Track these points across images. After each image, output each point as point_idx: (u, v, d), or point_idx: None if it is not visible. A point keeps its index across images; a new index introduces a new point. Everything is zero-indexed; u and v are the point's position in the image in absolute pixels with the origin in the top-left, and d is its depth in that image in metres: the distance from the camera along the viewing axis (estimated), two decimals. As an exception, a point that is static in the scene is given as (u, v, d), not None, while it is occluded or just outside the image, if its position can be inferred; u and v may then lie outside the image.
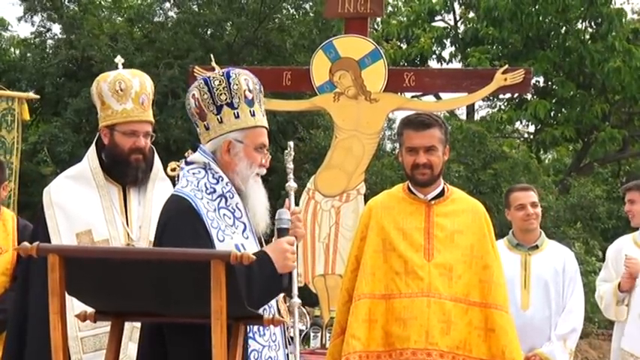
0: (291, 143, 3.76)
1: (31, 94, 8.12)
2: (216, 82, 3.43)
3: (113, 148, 4.09)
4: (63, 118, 14.88)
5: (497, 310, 4.27)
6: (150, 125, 4.17)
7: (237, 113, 3.43)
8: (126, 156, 4.07)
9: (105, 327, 3.64)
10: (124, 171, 4.10)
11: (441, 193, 4.43)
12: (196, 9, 15.92)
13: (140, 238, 4.04)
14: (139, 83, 4.14)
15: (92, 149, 4.16)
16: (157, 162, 4.22)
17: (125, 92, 4.09)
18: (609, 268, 6.28)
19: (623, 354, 5.70)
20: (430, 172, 4.34)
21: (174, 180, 5.11)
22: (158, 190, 4.16)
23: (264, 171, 3.49)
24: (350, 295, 4.41)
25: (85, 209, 4.03)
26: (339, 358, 4.36)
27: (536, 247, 5.87)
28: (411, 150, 4.34)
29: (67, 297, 3.12)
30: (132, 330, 3.83)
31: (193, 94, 3.47)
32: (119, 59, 4.34)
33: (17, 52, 16.79)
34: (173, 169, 5.41)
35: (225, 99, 3.42)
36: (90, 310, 3.22)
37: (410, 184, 4.45)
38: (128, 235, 4.05)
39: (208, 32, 16.10)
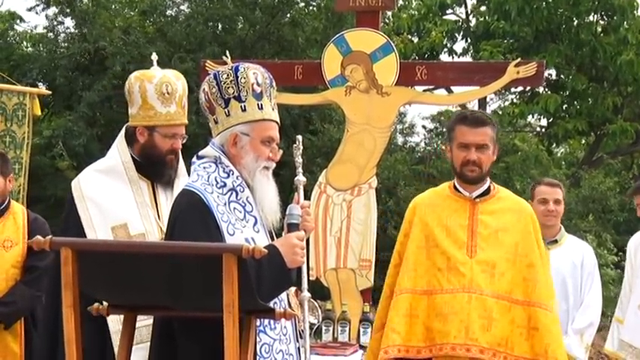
0: (299, 137, 3.77)
1: (43, 90, 8.14)
2: (224, 76, 3.45)
3: (151, 148, 4.13)
4: (76, 111, 14.89)
5: (542, 308, 4.27)
6: (184, 127, 4.23)
7: (244, 106, 3.44)
8: (163, 157, 4.13)
9: (145, 320, 3.68)
10: (160, 171, 4.15)
11: (487, 192, 4.44)
12: (208, 3, 15.90)
13: None
14: (182, 87, 4.22)
15: (123, 144, 4.18)
16: (180, 159, 4.26)
17: (171, 95, 4.14)
18: (627, 263, 6.23)
19: (623, 344, 5.68)
20: (479, 170, 4.36)
21: None
22: (181, 186, 4.18)
23: (272, 165, 3.49)
24: (391, 291, 4.44)
25: (119, 203, 4.06)
26: (379, 353, 4.38)
27: (555, 241, 5.87)
28: (463, 146, 4.36)
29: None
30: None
31: (204, 89, 3.51)
32: (155, 57, 4.37)
33: (29, 45, 16.82)
34: None
35: (233, 92, 3.44)
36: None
37: (456, 182, 4.47)
38: (161, 229, 4.08)
39: (220, 27, 16.08)
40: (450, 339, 4.20)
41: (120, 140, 4.20)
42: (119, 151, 4.18)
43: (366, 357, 4.57)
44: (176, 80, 4.20)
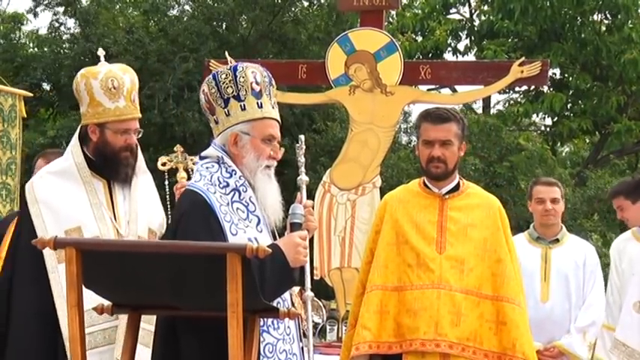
0: (302, 137, 3.77)
1: (25, 92, 8.15)
2: (223, 76, 3.45)
3: (104, 146, 4.01)
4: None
5: (509, 303, 4.29)
6: (138, 122, 4.15)
7: (244, 105, 3.44)
8: (117, 154, 4.01)
9: (100, 325, 3.68)
10: (115, 169, 4.03)
11: (456, 188, 4.46)
12: (211, 2, 15.93)
13: (129, 234, 4.00)
14: (130, 80, 4.08)
15: (76, 144, 4.06)
16: (140, 156, 4.18)
17: (118, 90, 4.03)
18: (612, 268, 6.18)
19: (617, 344, 5.67)
20: (444, 166, 4.37)
21: (163, 175, 5.10)
22: (141, 184, 4.12)
23: (274, 163, 3.48)
24: (364, 287, 4.46)
25: (72, 206, 3.95)
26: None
27: (557, 240, 5.87)
28: (427, 143, 4.39)
29: (62, 294, 3.11)
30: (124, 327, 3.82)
31: (203, 89, 3.51)
32: (101, 51, 4.29)
33: (32, 45, 16.85)
34: (163, 164, 5.40)
35: (232, 92, 3.44)
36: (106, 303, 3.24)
37: (425, 179, 4.49)
38: (117, 231, 4.01)
39: (223, 26, 16.11)
40: (420, 335, 4.23)
41: (74, 141, 4.10)
42: (72, 152, 4.07)
43: (341, 353, 4.59)
44: (122, 74, 4.08)
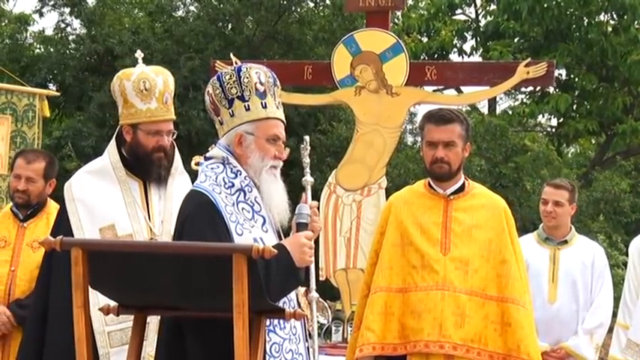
0: (306, 138, 3.77)
1: (52, 91, 8.19)
2: (227, 77, 3.45)
3: (136, 146, 4.09)
4: (86, 112, 14.94)
5: (514, 304, 4.29)
6: (172, 123, 4.18)
7: (248, 106, 3.44)
8: (149, 155, 4.08)
9: (131, 321, 3.67)
10: (148, 169, 4.11)
11: (461, 189, 4.45)
12: (216, 3, 15.94)
13: (163, 233, 4.05)
14: (163, 82, 4.13)
15: (112, 144, 4.16)
16: (177, 157, 4.22)
17: (150, 92, 4.08)
18: (630, 266, 6.18)
19: (630, 344, 5.66)
20: (448, 167, 4.37)
21: (197, 174, 5.13)
22: (178, 184, 4.16)
23: (279, 163, 3.49)
24: (369, 289, 4.47)
25: (107, 204, 4.04)
26: None
27: (566, 242, 5.86)
28: (431, 144, 4.39)
29: (93, 291, 3.15)
30: (157, 324, 3.84)
31: (208, 91, 3.51)
32: (139, 54, 4.33)
33: (40, 46, 16.87)
34: (197, 164, 5.39)
35: (236, 92, 3.44)
36: (113, 303, 3.24)
37: (430, 180, 4.48)
38: (151, 229, 4.06)
39: (229, 26, 16.12)
40: (424, 336, 4.23)
41: (112, 141, 4.18)
42: (109, 152, 4.16)
43: (346, 355, 4.60)
44: (155, 76, 4.13)
